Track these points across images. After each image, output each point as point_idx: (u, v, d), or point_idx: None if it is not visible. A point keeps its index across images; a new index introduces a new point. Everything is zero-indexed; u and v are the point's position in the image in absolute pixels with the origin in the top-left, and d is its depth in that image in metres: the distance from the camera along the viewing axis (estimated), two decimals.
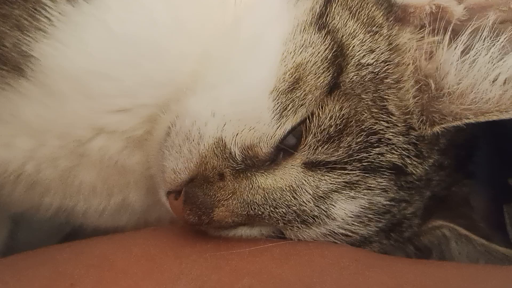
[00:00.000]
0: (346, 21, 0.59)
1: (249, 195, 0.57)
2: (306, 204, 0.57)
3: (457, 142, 0.66)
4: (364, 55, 0.58)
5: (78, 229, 0.73)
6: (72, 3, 0.56)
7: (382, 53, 0.58)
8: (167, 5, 0.59)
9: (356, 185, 0.57)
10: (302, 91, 0.56)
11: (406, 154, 0.59)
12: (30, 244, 0.67)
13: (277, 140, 0.56)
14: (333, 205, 0.57)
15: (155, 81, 0.60)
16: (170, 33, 0.59)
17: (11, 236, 0.80)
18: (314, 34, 0.58)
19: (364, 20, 0.59)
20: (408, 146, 0.59)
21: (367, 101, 0.57)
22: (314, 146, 0.56)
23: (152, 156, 0.62)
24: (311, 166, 0.57)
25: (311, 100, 0.56)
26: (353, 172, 0.57)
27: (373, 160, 0.57)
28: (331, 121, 0.56)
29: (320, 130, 0.56)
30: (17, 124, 0.59)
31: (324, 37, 0.58)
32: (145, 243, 0.60)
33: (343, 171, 0.57)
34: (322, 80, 0.56)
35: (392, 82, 0.58)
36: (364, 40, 0.58)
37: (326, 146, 0.56)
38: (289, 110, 0.55)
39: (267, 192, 0.57)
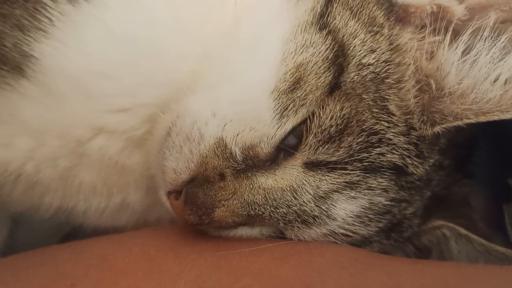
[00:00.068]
0: (347, 21, 0.59)
1: (249, 195, 0.57)
2: (307, 204, 0.57)
3: (457, 142, 0.66)
4: (365, 55, 0.58)
5: (78, 229, 0.73)
6: (72, 3, 0.56)
7: (383, 53, 0.58)
8: (167, 5, 0.59)
9: (357, 185, 0.57)
10: (303, 91, 0.55)
11: (407, 154, 0.58)
12: (29, 244, 0.67)
13: (277, 140, 0.56)
14: (333, 205, 0.57)
15: (155, 80, 0.60)
16: (170, 33, 0.59)
17: (10, 236, 0.80)
18: (315, 34, 0.58)
19: (365, 20, 0.59)
20: (409, 146, 0.59)
21: (368, 101, 0.57)
22: (315, 146, 0.56)
23: (152, 156, 0.62)
24: (311, 166, 0.57)
25: (312, 100, 0.56)
26: (354, 172, 0.57)
27: (373, 160, 0.57)
28: (332, 121, 0.56)
29: (321, 130, 0.56)
30: (17, 124, 0.59)
31: (325, 37, 0.57)
32: (145, 243, 0.60)
33: (343, 171, 0.57)
34: (323, 80, 0.56)
35: (393, 82, 0.58)
36: (365, 40, 0.58)
37: (326, 146, 0.56)
38: (289, 110, 0.55)
39: (267, 192, 0.57)
